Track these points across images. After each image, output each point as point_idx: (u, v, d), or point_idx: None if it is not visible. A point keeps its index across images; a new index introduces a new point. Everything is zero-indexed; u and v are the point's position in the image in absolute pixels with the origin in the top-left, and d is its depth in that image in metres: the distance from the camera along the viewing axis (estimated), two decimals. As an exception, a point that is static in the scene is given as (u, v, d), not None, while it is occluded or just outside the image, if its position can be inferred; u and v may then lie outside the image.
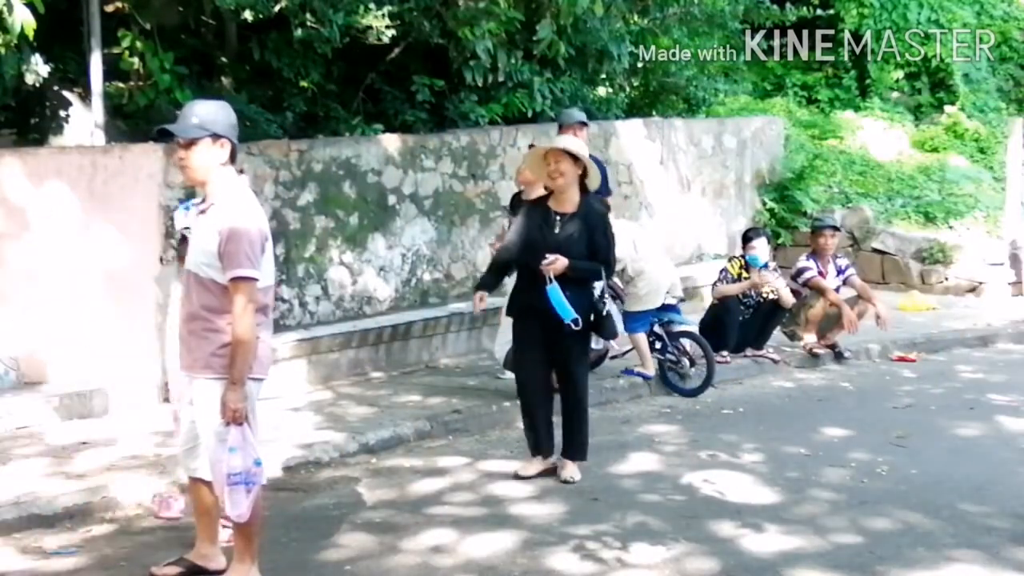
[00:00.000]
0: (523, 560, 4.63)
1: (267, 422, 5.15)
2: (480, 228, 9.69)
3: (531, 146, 8.30)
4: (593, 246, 5.71)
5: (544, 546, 4.78)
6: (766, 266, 8.75)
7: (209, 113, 4.09)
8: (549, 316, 5.59)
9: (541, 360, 5.82)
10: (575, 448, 5.84)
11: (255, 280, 4.00)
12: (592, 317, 5.70)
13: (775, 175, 13.70)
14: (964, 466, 6.22)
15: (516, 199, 8.14)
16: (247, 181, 4.19)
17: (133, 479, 5.43)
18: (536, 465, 5.83)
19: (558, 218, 5.72)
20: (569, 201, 5.73)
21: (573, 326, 5.56)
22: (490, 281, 6.17)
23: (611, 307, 5.91)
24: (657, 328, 7.92)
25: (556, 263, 5.56)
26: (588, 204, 5.80)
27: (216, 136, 4.05)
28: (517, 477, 5.77)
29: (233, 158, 4.14)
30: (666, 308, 7.92)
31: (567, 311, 5.54)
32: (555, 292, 5.55)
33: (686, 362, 7.96)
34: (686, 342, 7.97)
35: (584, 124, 8.08)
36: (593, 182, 5.85)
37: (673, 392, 7.93)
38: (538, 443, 5.87)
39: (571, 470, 5.77)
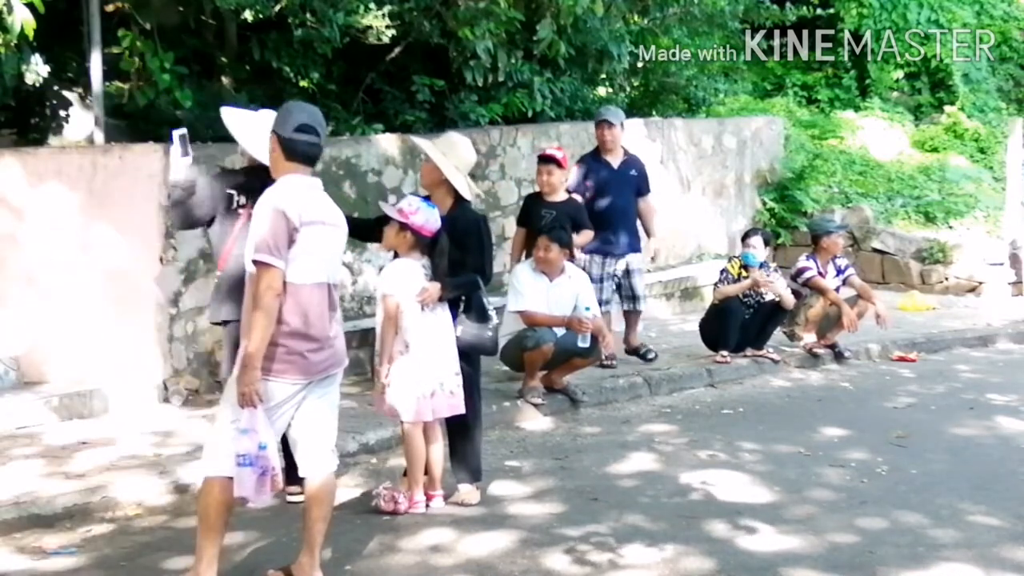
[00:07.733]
0: (522, 560, 4.63)
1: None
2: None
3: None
4: (464, 253, 5.31)
5: (543, 546, 4.78)
6: (763, 265, 8.78)
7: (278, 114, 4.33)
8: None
9: None
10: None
11: (271, 267, 3.98)
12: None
13: (775, 175, 13.71)
14: (964, 466, 6.23)
15: (530, 200, 8.07)
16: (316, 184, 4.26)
17: (133, 479, 5.43)
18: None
19: None
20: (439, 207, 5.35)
21: None
22: None
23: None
24: None
25: (427, 294, 5.19)
26: (460, 211, 5.41)
27: (273, 133, 4.24)
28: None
29: (295, 156, 4.17)
30: None
31: None
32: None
33: None
34: None
35: (610, 123, 8.31)
36: (462, 188, 5.41)
37: None
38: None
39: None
